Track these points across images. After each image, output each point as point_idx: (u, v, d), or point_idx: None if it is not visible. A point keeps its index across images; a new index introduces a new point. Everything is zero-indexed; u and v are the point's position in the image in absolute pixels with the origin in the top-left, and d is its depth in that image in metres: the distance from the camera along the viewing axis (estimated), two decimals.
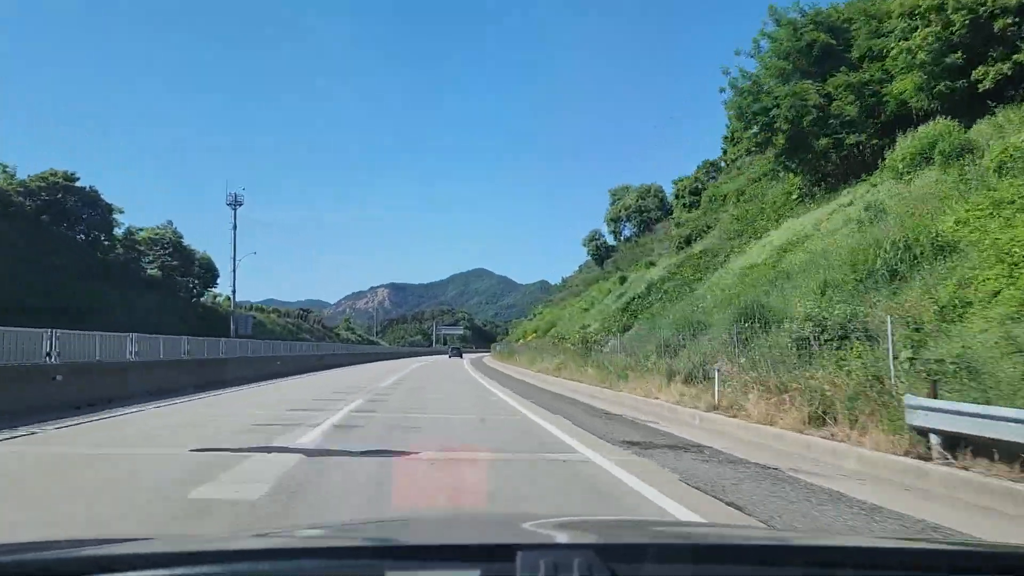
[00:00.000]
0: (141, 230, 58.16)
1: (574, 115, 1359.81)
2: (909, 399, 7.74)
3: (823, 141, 24.50)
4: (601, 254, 73.14)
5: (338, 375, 33.42)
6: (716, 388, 12.48)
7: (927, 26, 19.00)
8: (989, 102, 18.35)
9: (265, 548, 1.61)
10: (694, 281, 29.66)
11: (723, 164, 51.04)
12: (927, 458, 7.40)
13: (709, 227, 38.66)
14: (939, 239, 12.79)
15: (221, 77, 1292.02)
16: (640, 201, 66.93)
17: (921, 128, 18.97)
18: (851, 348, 10.30)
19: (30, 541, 1.64)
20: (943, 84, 19.46)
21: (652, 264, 43.95)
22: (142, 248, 57.06)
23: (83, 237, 52.21)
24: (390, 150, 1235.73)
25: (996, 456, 6.80)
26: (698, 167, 55.42)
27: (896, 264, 13.15)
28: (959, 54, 18.79)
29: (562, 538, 1.81)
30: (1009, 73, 17.86)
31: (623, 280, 45.21)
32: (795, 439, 9.41)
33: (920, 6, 19.26)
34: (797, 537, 2.68)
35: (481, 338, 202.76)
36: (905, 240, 13.26)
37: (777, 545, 1.73)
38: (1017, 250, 10.68)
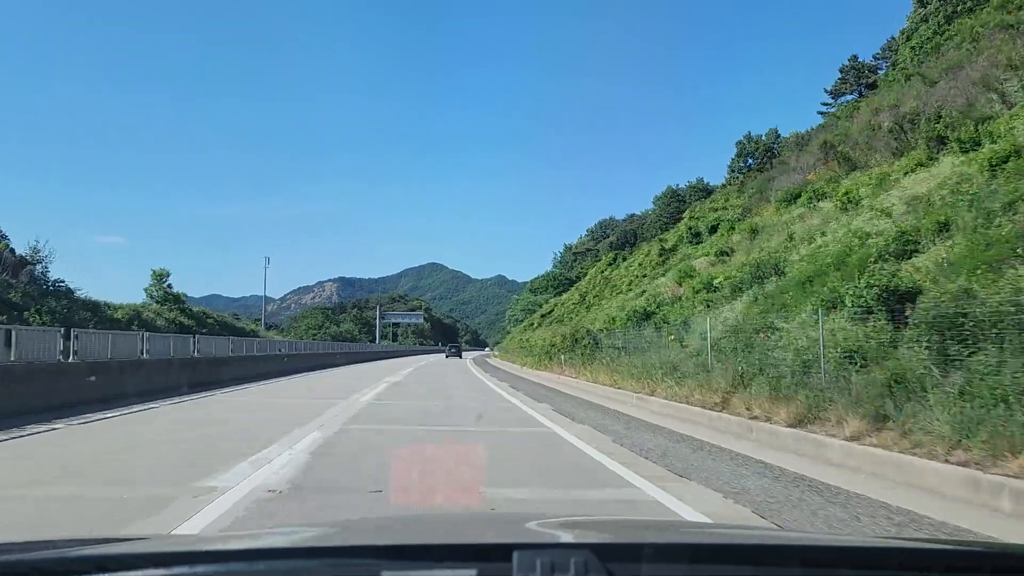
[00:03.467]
0: None
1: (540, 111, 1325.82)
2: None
3: None
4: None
5: None
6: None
7: None
8: None
9: (262, 548, 1.57)
10: None
11: None
12: None
13: None
14: None
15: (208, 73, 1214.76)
16: None
17: None
18: None
19: (28, 541, 1.59)
20: None
21: None
22: None
23: None
24: (352, 146, 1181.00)
25: None
26: None
27: None
28: None
29: (559, 538, 1.75)
30: None
31: None
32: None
33: None
34: (797, 537, 2.55)
35: (442, 333, 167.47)
36: None
37: (776, 545, 1.64)
38: None
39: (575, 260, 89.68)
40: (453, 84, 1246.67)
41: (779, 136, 51.84)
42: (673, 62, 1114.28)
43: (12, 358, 12.32)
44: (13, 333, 12.66)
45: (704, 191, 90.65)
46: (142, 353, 17.71)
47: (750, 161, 50.40)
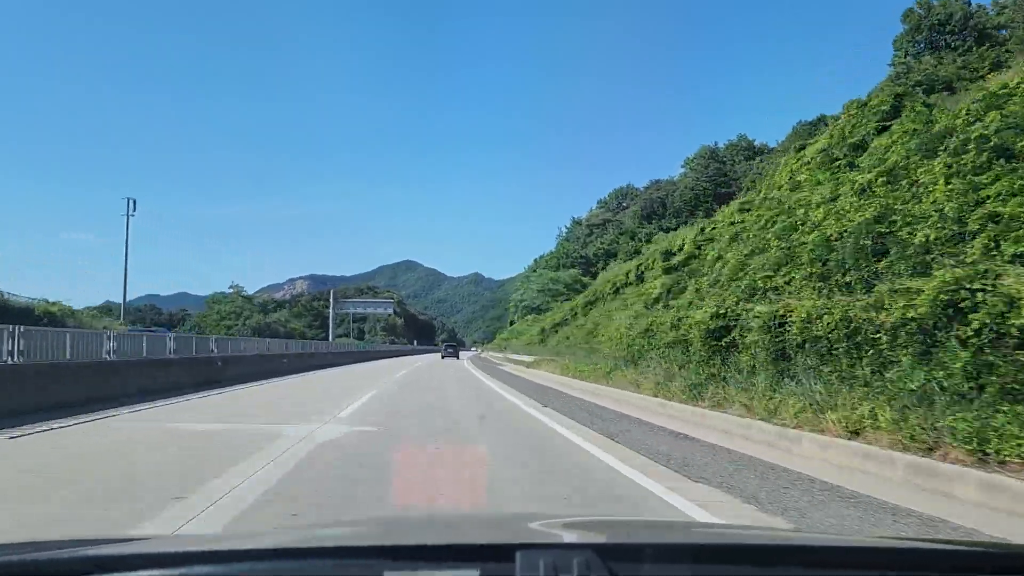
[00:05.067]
0: None
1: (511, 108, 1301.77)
2: None
3: None
4: None
5: None
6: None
7: None
8: None
9: (264, 548, 1.51)
10: None
11: None
12: None
13: None
14: None
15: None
16: None
17: None
18: None
19: (28, 541, 1.56)
20: None
21: None
22: None
23: None
24: (325, 147, 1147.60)
25: None
26: None
27: None
28: None
29: (562, 538, 1.71)
30: None
31: None
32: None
33: None
34: (798, 537, 2.33)
35: (417, 331, 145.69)
36: None
37: (777, 545, 1.61)
38: None
39: (590, 234, 69.20)
40: (453, 84, 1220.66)
41: (971, 1, 31.49)
42: (673, 62, 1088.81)
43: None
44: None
45: (750, 149, 70.70)
46: None
47: (925, 41, 30.05)
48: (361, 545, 1.47)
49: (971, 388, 5.94)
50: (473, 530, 1.90)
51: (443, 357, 52.82)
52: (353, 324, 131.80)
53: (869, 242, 9.32)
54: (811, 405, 7.24)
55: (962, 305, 6.23)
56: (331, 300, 68.43)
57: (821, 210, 12.62)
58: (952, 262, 7.22)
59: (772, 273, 11.32)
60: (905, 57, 31.07)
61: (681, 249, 23.92)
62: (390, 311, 68.84)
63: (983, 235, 7.68)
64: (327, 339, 59.96)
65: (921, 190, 10.01)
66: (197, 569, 1.18)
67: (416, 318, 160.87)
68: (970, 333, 5.97)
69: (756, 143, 74.71)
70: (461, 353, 67.29)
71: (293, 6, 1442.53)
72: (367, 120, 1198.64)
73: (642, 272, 26.93)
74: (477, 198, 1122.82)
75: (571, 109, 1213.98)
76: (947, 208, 8.45)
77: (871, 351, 7.06)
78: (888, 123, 16.65)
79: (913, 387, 6.36)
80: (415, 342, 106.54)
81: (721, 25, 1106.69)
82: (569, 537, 1.72)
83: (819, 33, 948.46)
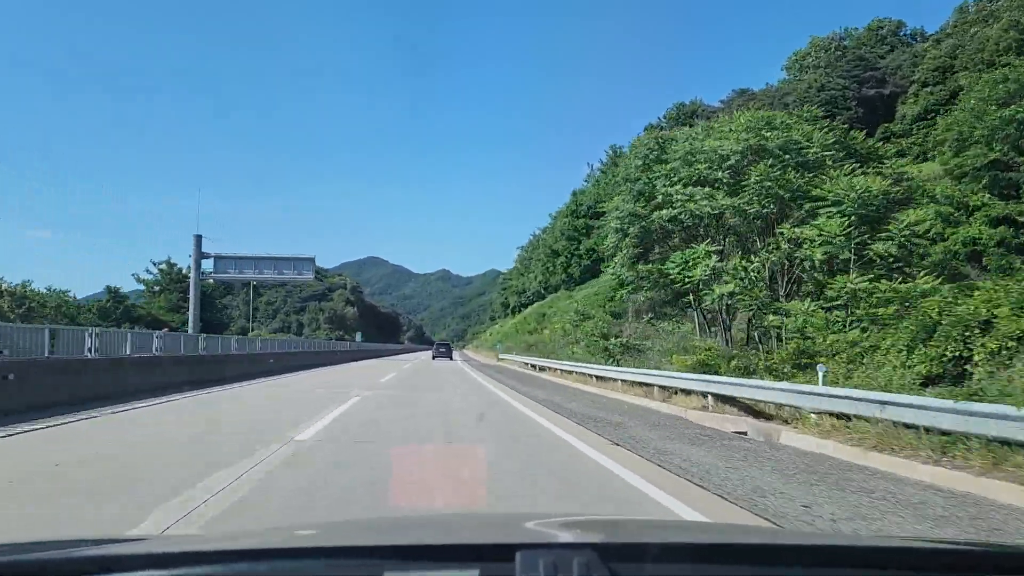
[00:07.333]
0: None
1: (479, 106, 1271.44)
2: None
3: None
4: None
5: None
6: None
7: None
8: None
9: (264, 548, 1.49)
10: None
11: None
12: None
13: None
14: None
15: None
16: None
17: None
18: None
19: (29, 541, 1.52)
20: None
21: None
22: None
23: None
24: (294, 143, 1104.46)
25: None
26: None
27: None
28: None
29: (562, 538, 1.69)
30: None
31: None
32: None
33: None
34: (797, 537, 2.36)
35: (378, 326, 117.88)
36: None
37: (777, 545, 1.58)
38: None
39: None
40: (453, 84, 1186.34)
41: None
42: (673, 62, 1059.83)
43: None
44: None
45: (894, 36, 45.26)
46: None
47: None
48: (361, 545, 1.43)
49: None
50: (473, 530, 1.86)
51: (434, 358, 48.42)
52: (293, 316, 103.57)
53: None
54: None
55: None
56: (194, 253, 34.18)
57: None
58: None
59: None
60: None
61: None
62: (310, 275, 40.50)
63: None
64: (205, 326, 32.23)
65: None
66: (198, 569, 1.16)
67: (376, 310, 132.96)
68: None
69: (905, 31, 47.80)
70: (446, 354, 50.48)
71: (293, 6, 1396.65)
72: (367, 120, 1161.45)
73: None
74: (464, 196, 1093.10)
75: (571, 109, 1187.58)
76: None
77: None
78: None
79: None
80: (358, 336, 76.76)
81: (721, 25, 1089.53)
82: (569, 537, 1.67)
83: (819, 33, 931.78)
